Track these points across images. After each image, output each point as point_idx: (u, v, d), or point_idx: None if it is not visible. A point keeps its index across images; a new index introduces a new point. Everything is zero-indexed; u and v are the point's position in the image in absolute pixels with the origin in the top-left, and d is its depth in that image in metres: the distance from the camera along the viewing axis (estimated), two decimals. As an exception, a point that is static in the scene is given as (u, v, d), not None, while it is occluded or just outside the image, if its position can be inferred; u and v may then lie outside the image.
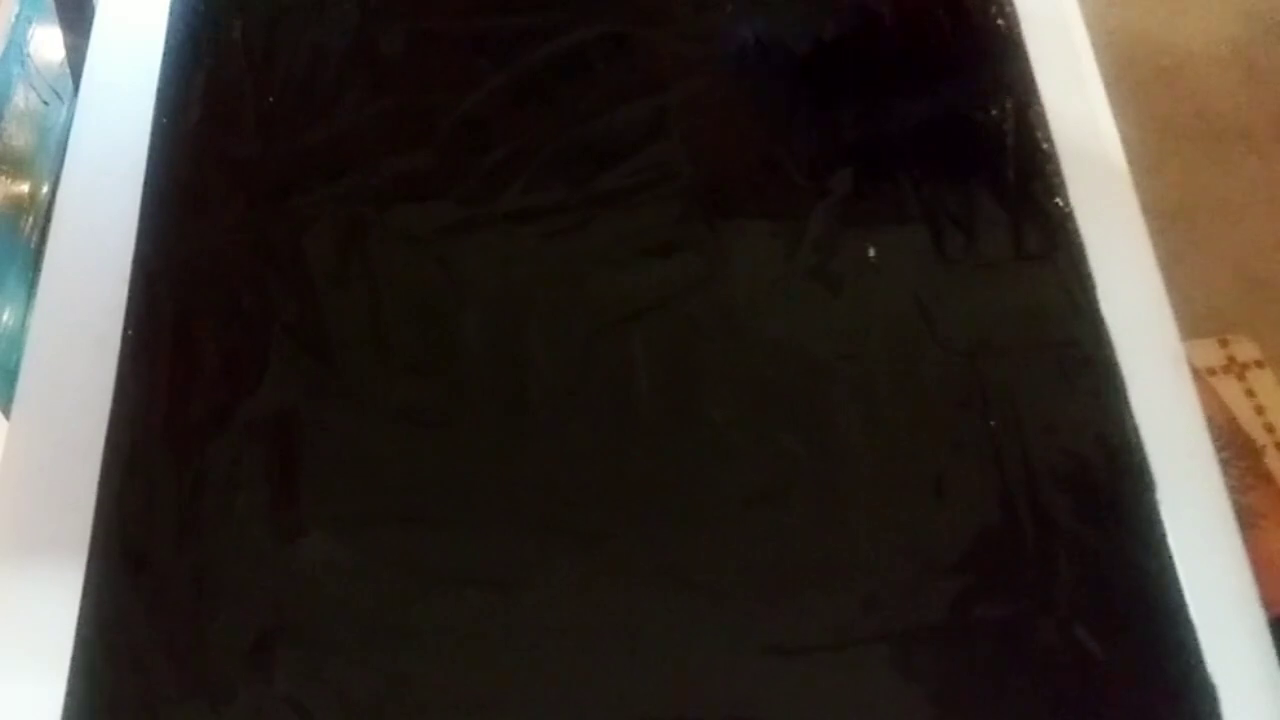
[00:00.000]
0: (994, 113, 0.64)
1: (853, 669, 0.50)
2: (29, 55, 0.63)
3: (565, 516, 0.53)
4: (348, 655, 0.49)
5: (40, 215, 0.63)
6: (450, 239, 0.59)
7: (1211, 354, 1.27)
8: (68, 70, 0.68)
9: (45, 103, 0.65)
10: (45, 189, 0.64)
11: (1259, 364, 1.27)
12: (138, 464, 0.53)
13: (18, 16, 0.62)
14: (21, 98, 0.63)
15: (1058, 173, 0.62)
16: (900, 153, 0.62)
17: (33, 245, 0.62)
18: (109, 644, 0.49)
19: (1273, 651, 0.51)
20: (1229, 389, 1.26)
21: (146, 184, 0.60)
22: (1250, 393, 1.26)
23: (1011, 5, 0.67)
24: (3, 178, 0.61)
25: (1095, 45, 0.65)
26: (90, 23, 0.66)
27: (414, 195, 0.60)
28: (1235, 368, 1.27)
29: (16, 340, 0.59)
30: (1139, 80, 1.47)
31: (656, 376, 0.56)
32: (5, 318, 0.60)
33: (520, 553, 0.51)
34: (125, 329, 0.56)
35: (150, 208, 0.60)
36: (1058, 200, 0.61)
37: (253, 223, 0.60)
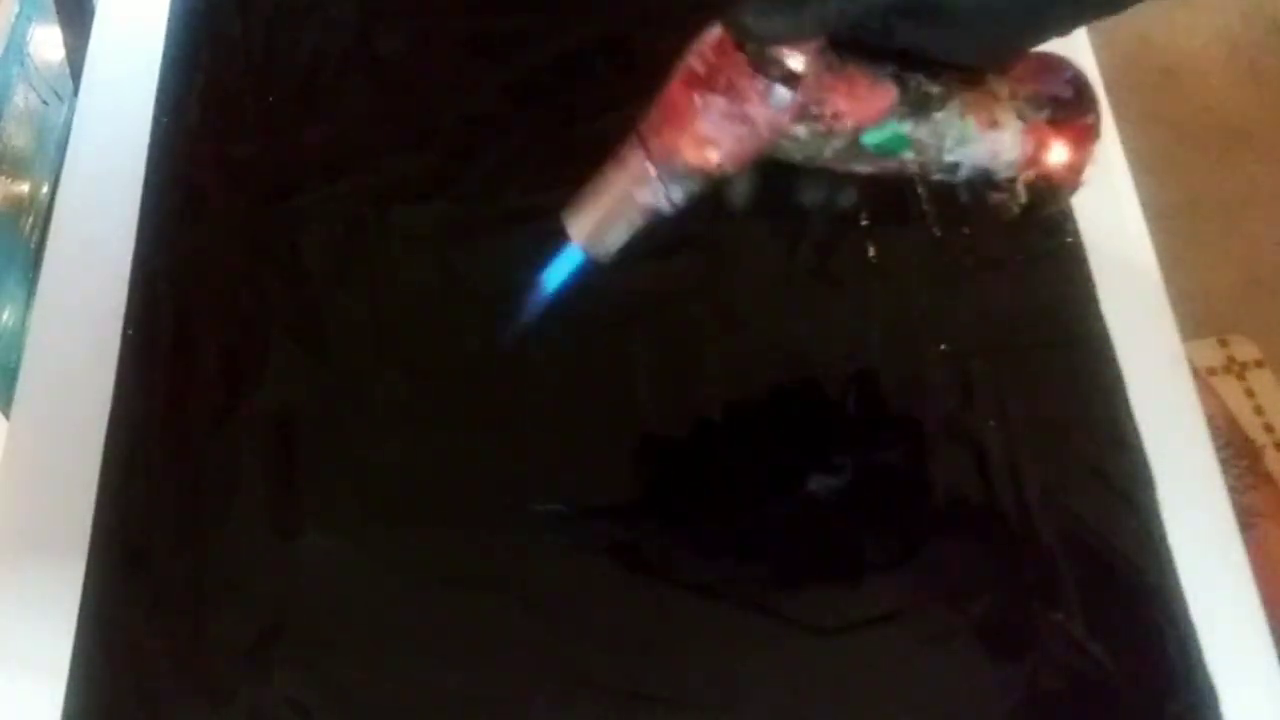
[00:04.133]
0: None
1: (853, 668, 0.50)
2: (29, 55, 0.63)
3: (564, 516, 0.53)
4: (348, 655, 0.49)
5: (40, 215, 0.63)
6: (450, 239, 0.59)
7: (1211, 354, 1.27)
8: (68, 70, 0.68)
9: (45, 103, 0.65)
10: (45, 189, 0.64)
11: (1259, 364, 1.27)
12: (138, 464, 0.53)
13: (18, 16, 0.62)
14: (21, 98, 0.63)
15: (1058, 173, 0.62)
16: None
17: (33, 245, 0.62)
18: (109, 644, 0.49)
19: (1273, 652, 0.51)
20: (1229, 389, 1.26)
21: (146, 184, 0.60)
22: (1250, 393, 1.26)
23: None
24: (3, 178, 0.61)
25: (1095, 45, 0.65)
26: (90, 23, 0.66)
27: (414, 195, 0.60)
28: (1235, 368, 1.27)
29: (16, 340, 0.59)
30: (1139, 80, 1.47)
31: (656, 376, 0.56)
32: (5, 318, 0.60)
33: (519, 553, 0.51)
34: (125, 329, 0.56)
35: (150, 208, 0.60)
36: (1058, 200, 0.61)
37: (252, 223, 0.60)
